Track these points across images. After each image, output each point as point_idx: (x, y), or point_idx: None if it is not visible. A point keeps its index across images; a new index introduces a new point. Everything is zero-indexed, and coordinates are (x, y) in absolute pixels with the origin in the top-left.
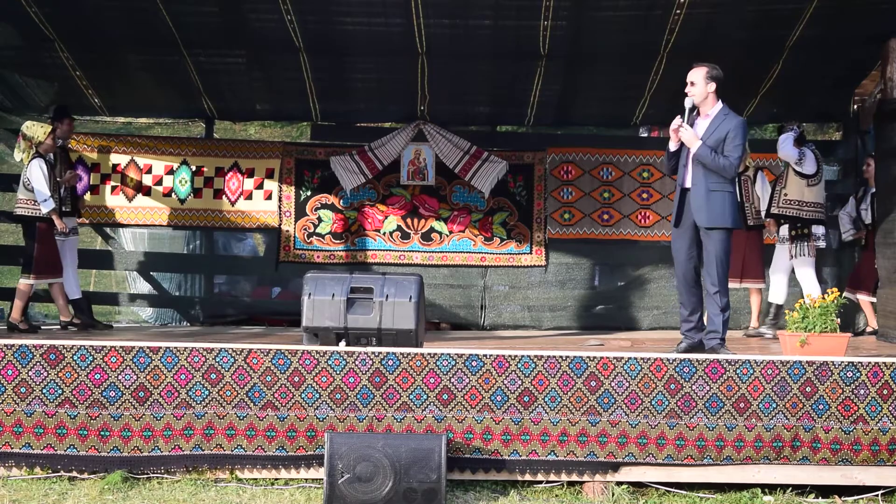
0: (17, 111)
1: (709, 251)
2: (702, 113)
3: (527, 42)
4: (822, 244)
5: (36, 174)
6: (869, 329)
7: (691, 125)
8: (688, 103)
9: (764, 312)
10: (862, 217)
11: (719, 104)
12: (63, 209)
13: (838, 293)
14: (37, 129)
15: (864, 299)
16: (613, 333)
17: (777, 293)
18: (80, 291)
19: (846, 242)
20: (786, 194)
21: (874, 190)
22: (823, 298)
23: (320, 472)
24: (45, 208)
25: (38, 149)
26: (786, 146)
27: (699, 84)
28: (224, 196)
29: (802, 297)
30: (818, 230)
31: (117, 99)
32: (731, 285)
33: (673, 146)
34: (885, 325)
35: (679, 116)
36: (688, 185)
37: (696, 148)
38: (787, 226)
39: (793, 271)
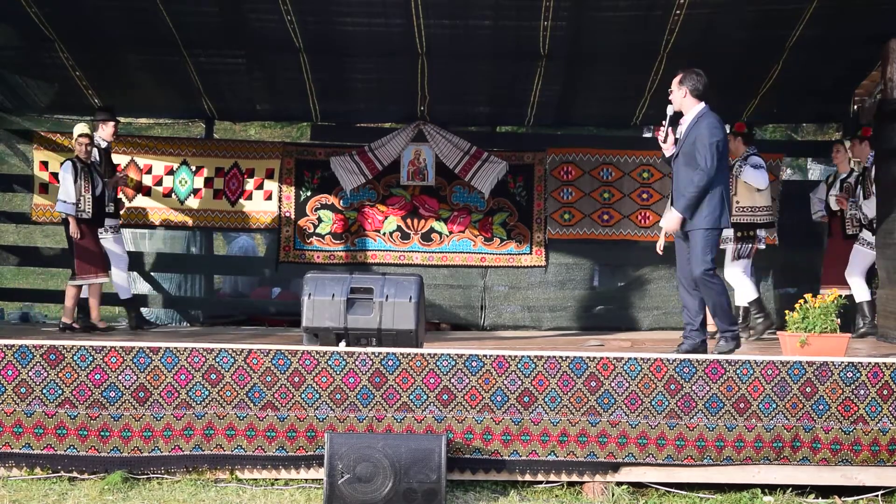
0: (17, 111)
1: (690, 252)
2: (683, 117)
3: (527, 42)
4: (762, 245)
5: (61, 176)
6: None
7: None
8: (669, 110)
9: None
10: (830, 204)
11: (697, 107)
12: (106, 210)
13: (838, 294)
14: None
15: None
16: (613, 334)
17: (745, 295)
18: (130, 292)
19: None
20: (738, 202)
21: (844, 176)
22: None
23: (320, 473)
24: (58, 208)
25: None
26: (760, 178)
27: (674, 90)
28: (224, 196)
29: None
30: (761, 233)
31: (117, 99)
32: None
33: (667, 154)
34: (885, 325)
35: (662, 123)
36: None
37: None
38: (732, 228)
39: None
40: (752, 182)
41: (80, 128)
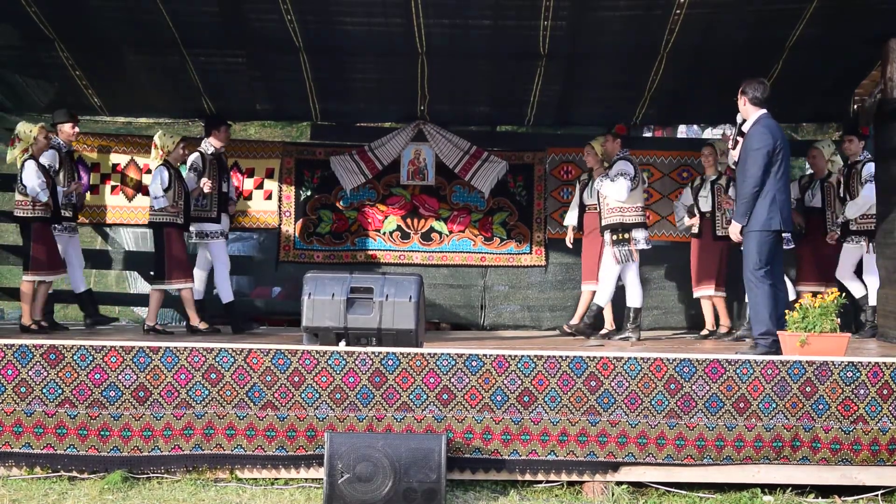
0: (17, 111)
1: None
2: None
3: (527, 42)
4: (645, 246)
5: (27, 173)
6: (722, 329)
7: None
8: (738, 118)
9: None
10: (700, 205)
11: (756, 114)
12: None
13: (838, 293)
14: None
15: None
16: (651, 331)
17: (635, 297)
18: (85, 286)
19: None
20: (608, 204)
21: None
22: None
23: (320, 472)
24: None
25: (32, 150)
26: (617, 190)
27: (739, 99)
28: None
29: (626, 301)
30: (639, 234)
31: (117, 99)
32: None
33: (732, 160)
34: (885, 324)
35: (731, 132)
36: None
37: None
38: (608, 232)
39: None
40: (610, 195)
41: (33, 126)
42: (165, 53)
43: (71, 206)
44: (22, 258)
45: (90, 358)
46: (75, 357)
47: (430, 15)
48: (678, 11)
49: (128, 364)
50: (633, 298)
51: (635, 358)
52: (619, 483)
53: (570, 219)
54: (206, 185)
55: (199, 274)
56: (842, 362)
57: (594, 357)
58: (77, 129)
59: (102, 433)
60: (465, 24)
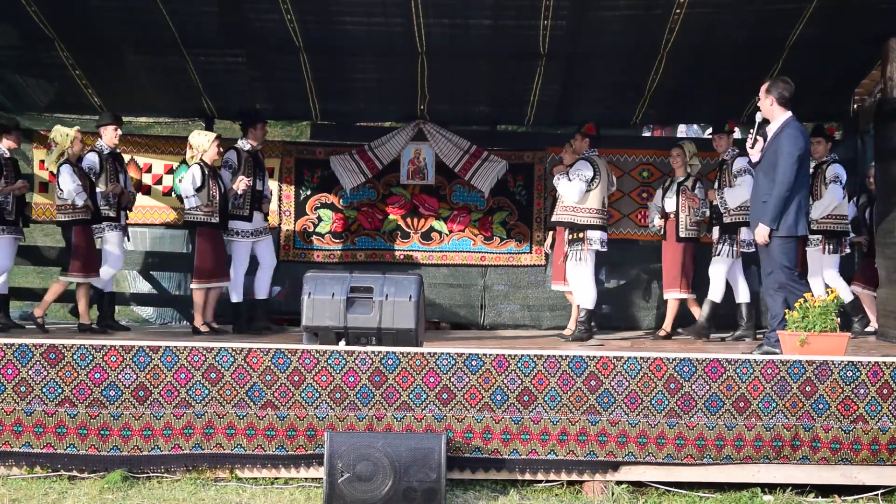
0: (17, 110)
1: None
2: (770, 124)
3: (527, 42)
4: (601, 248)
5: (62, 178)
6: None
7: (763, 138)
8: (758, 117)
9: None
10: (665, 207)
11: (783, 116)
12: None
13: (838, 293)
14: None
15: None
16: (613, 333)
17: (580, 297)
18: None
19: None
20: (562, 202)
21: (681, 179)
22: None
23: (320, 472)
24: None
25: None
26: (571, 191)
27: (761, 98)
28: None
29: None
30: (594, 235)
31: (117, 98)
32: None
33: (753, 160)
34: (885, 324)
35: (751, 131)
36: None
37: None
38: (567, 231)
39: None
40: (564, 194)
41: (69, 130)
42: (165, 53)
43: (114, 207)
44: (62, 260)
45: (90, 357)
46: (75, 356)
47: (430, 15)
48: (678, 11)
49: (128, 363)
50: (584, 299)
51: (635, 357)
52: (619, 482)
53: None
54: (240, 182)
55: (232, 273)
56: (842, 362)
57: (594, 356)
58: (119, 132)
59: (102, 432)
60: (465, 23)
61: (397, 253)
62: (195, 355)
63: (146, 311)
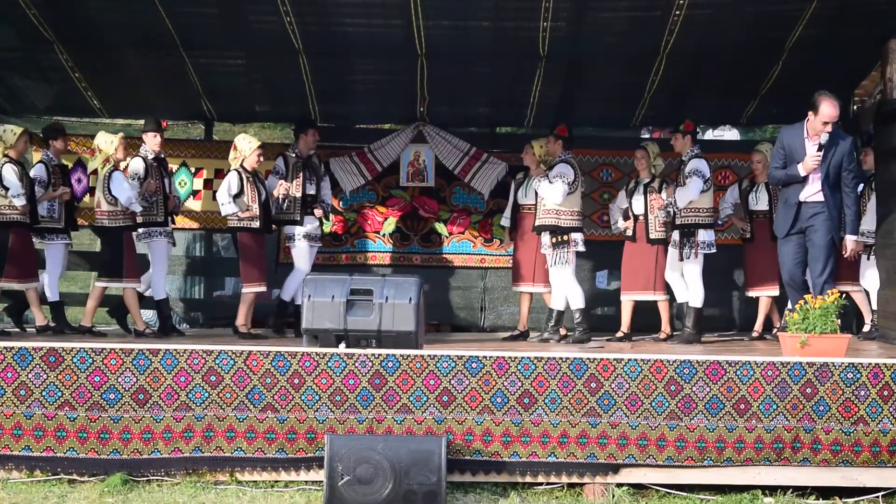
0: (16, 113)
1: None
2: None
3: (526, 43)
4: (581, 249)
5: (115, 185)
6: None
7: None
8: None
9: (547, 318)
10: (633, 209)
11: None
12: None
13: (839, 294)
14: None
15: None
16: (613, 335)
17: (560, 299)
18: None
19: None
20: (545, 205)
21: (647, 181)
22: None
23: (320, 475)
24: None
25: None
26: (553, 192)
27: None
28: None
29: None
30: (577, 236)
31: (117, 101)
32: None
33: (803, 174)
34: (886, 325)
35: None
36: (802, 199)
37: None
38: (547, 234)
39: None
40: (547, 197)
41: (111, 135)
42: (165, 55)
43: (161, 213)
44: (106, 265)
45: (90, 360)
46: (75, 359)
47: (430, 16)
48: (678, 12)
49: (127, 366)
50: (558, 301)
51: (635, 359)
52: (619, 485)
53: (504, 220)
54: (279, 188)
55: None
56: (842, 363)
57: (594, 359)
58: (159, 139)
59: (102, 436)
60: (464, 25)
61: (397, 255)
62: (195, 358)
63: (145, 314)
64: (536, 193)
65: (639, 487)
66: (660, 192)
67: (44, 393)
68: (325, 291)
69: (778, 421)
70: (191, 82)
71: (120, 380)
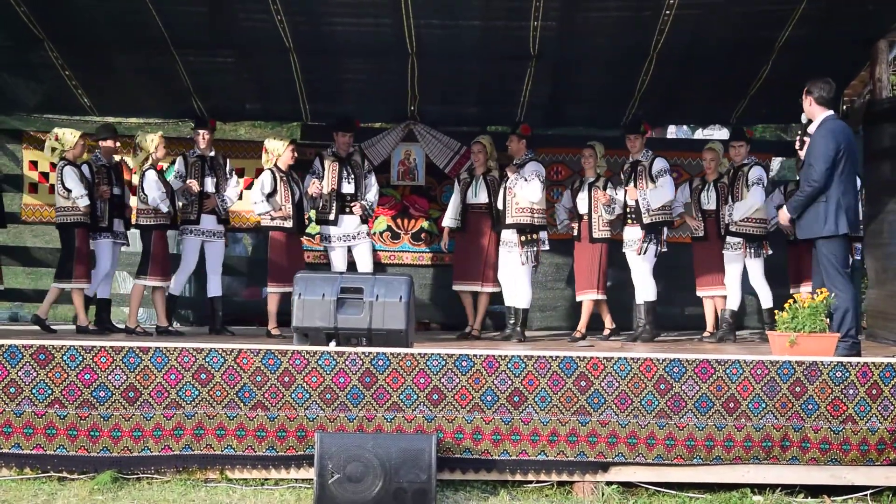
0: (5, 111)
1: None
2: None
3: (517, 43)
4: (546, 247)
5: (147, 184)
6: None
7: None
8: (803, 118)
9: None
10: (578, 207)
11: (822, 115)
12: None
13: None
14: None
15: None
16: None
17: (522, 298)
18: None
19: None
20: (517, 203)
21: (592, 180)
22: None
23: (310, 473)
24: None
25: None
26: (533, 191)
27: (804, 99)
28: None
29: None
30: (544, 234)
31: (107, 99)
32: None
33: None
34: (874, 325)
35: (798, 133)
36: None
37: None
38: (514, 232)
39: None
40: (526, 196)
41: (152, 135)
42: (155, 54)
43: (211, 210)
44: (140, 264)
45: (80, 358)
46: (65, 357)
47: (420, 15)
48: (667, 12)
49: (118, 364)
50: (522, 299)
51: (625, 358)
52: (609, 483)
53: (449, 220)
54: (311, 186)
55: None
56: (831, 362)
57: (584, 357)
58: (205, 136)
59: (92, 433)
60: (455, 24)
61: (387, 254)
62: (185, 356)
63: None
64: (499, 193)
65: (628, 486)
66: (604, 189)
67: (34, 391)
68: (316, 290)
69: (767, 419)
70: (181, 80)
71: (110, 378)
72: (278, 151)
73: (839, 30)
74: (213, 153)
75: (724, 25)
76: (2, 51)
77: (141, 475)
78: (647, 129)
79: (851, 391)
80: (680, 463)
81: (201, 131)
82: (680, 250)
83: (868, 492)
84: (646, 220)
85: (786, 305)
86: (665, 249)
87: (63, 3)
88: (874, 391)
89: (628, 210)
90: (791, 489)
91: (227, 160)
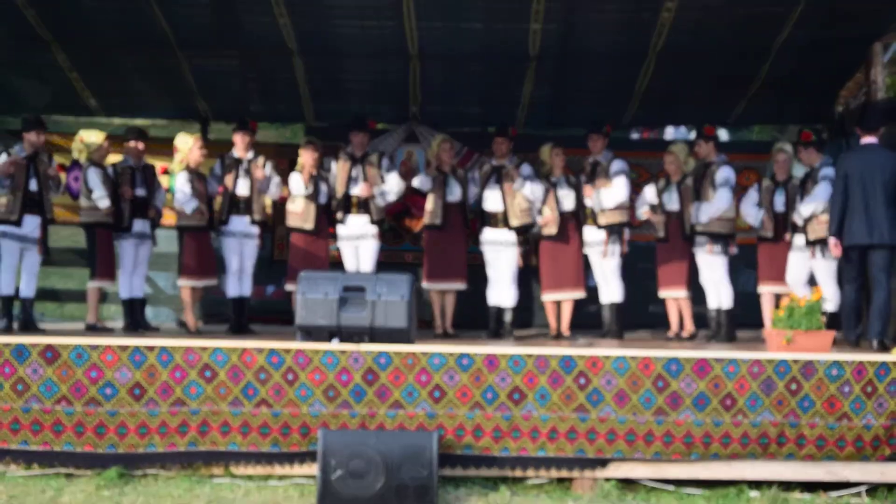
0: (12, 112)
1: None
2: None
3: (517, 44)
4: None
5: (178, 184)
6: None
7: None
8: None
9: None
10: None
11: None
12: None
13: (821, 294)
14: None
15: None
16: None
17: (508, 298)
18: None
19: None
20: (521, 205)
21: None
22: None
23: (313, 469)
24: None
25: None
26: (539, 191)
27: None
28: None
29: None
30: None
31: (113, 100)
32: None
33: None
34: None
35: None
36: None
37: None
38: (515, 233)
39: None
40: (534, 196)
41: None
42: (160, 55)
43: (247, 212)
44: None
45: (86, 356)
46: (72, 355)
47: (423, 17)
48: (666, 14)
49: (124, 362)
50: (509, 299)
51: (624, 356)
52: (607, 479)
53: (435, 217)
54: (362, 189)
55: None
56: (827, 360)
57: (583, 355)
58: (245, 139)
59: (99, 430)
60: (456, 26)
61: (389, 253)
62: (190, 354)
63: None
64: (482, 193)
65: (627, 482)
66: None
67: (41, 388)
68: (319, 288)
69: (764, 416)
70: (186, 81)
71: (116, 375)
72: (184, 153)
73: (837, 31)
74: (251, 156)
75: (722, 27)
76: (9, 52)
77: (147, 471)
78: (609, 129)
79: (847, 388)
80: (678, 459)
81: (239, 133)
82: (651, 250)
83: (863, 487)
84: (601, 221)
85: (782, 304)
86: (627, 250)
87: (70, 6)
88: (869, 388)
89: (587, 210)
90: (787, 485)
91: (268, 162)
